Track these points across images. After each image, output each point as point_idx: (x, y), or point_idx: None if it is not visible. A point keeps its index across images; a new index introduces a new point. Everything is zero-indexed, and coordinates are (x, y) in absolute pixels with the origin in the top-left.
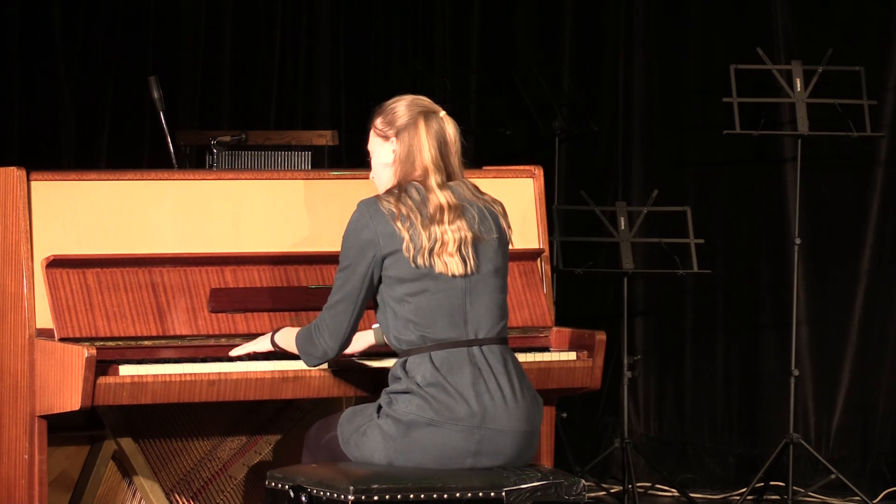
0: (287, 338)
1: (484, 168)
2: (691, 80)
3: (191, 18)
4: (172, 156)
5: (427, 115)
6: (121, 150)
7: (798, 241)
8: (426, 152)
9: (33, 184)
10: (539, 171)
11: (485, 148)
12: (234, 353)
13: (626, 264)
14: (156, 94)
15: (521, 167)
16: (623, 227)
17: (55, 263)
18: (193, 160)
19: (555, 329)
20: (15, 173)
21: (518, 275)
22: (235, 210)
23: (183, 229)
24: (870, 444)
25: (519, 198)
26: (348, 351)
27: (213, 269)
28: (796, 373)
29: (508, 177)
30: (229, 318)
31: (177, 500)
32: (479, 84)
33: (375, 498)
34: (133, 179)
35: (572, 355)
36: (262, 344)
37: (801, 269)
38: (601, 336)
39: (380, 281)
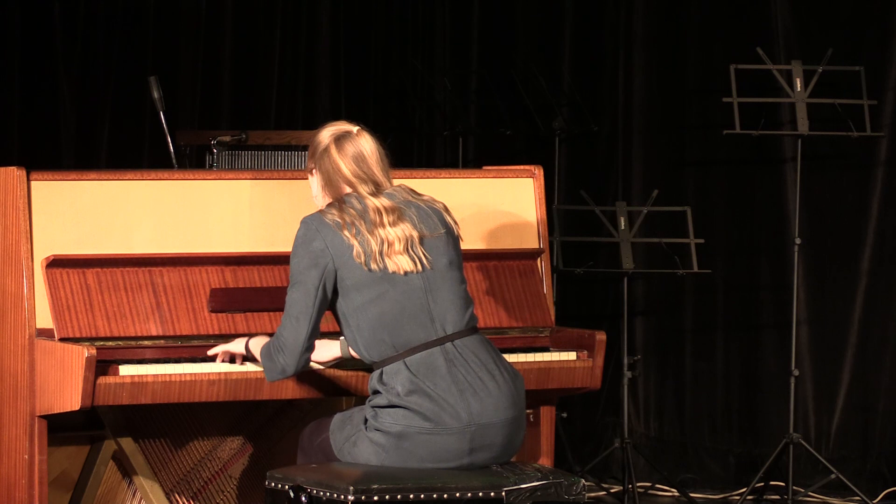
0: (257, 346)
1: (484, 168)
2: (691, 80)
3: (191, 18)
4: (172, 156)
5: (338, 137)
6: (121, 150)
7: (798, 241)
8: (344, 169)
9: (33, 184)
10: (539, 171)
11: (485, 148)
12: (211, 351)
13: (626, 264)
14: (156, 94)
15: (521, 167)
16: (623, 227)
17: (55, 263)
18: (193, 160)
19: (555, 329)
20: (15, 173)
21: (518, 275)
22: (235, 210)
23: (183, 229)
24: (870, 444)
25: (519, 198)
26: (315, 359)
27: (213, 269)
28: (796, 373)
29: (508, 177)
30: (229, 318)
31: (177, 500)
32: (479, 84)
33: (375, 498)
34: (133, 179)
35: (572, 355)
36: (237, 346)
37: (801, 269)
38: (601, 336)
39: (335, 294)
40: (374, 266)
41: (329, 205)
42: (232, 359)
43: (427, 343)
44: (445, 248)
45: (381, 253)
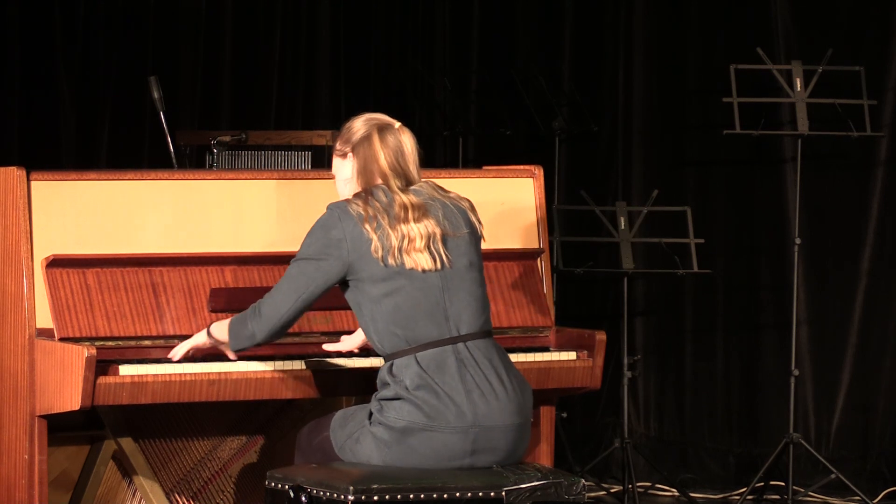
0: (221, 327)
1: (484, 168)
2: (691, 80)
3: (191, 18)
4: (172, 156)
5: (381, 128)
6: (121, 150)
7: (798, 241)
8: (382, 160)
9: (33, 184)
10: (539, 171)
11: (485, 148)
12: (173, 354)
13: (626, 264)
14: (156, 94)
15: (521, 167)
16: (623, 227)
17: (55, 263)
18: (193, 160)
19: (555, 329)
20: (15, 173)
21: (518, 275)
22: (235, 210)
23: (183, 229)
24: (870, 444)
25: (519, 198)
26: (347, 347)
27: (213, 269)
28: (796, 373)
29: (508, 177)
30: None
31: (177, 500)
32: (479, 84)
33: (375, 498)
34: (133, 179)
35: (572, 355)
36: (199, 337)
37: (801, 269)
38: (601, 336)
39: (346, 286)
40: (391, 261)
41: (356, 195)
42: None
43: (439, 341)
44: (467, 248)
45: (399, 249)
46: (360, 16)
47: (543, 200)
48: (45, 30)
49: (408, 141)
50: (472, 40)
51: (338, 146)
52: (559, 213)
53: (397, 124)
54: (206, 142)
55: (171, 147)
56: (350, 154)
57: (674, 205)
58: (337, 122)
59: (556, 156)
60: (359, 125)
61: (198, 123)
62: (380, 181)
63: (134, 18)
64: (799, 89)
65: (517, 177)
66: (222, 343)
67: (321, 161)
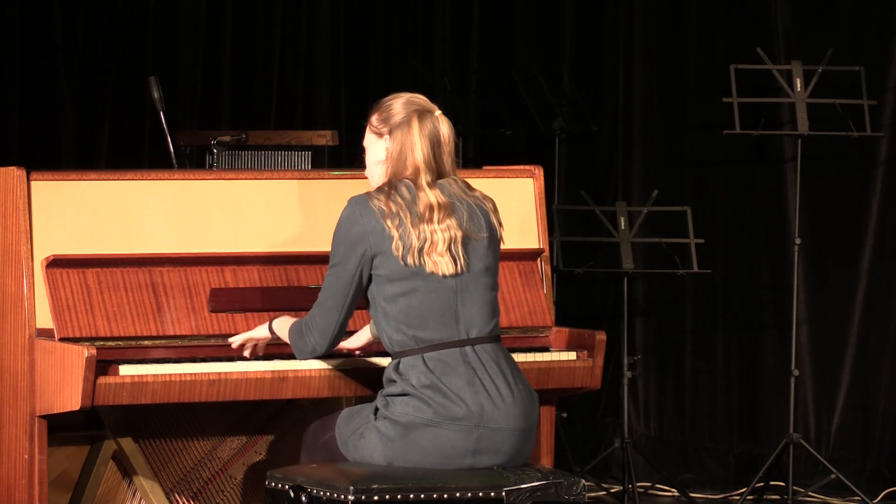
0: (283, 326)
1: (484, 168)
2: (691, 80)
3: (191, 18)
4: (172, 156)
5: (422, 114)
6: (121, 150)
7: (798, 241)
8: (418, 151)
9: (33, 184)
10: (539, 171)
11: (485, 148)
12: (232, 340)
13: (626, 264)
14: (156, 94)
15: (521, 167)
16: (623, 227)
17: (55, 263)
18: (193, 160)
19: (555, 329)
20: (15, 173)
21: (518, 275)
22: (235, 210)
23: (183, 229)
24: (870, 444)
25: (519, 198)
26: (350, 346)
27: (213, 269)
28: (796, 373)
29: (508, 177)
30: (229, 317)
31: (177, 500)
32: (479, 84)
33: (375, 498)
34: (133, 179)
35: (572, 355)
36: (260, 331)
37: (801, 269)
38: (601, 336)
39: (370, 280)
40: (410, 260)
41: (378, 189)
42: (254, 353)
43: (448, 343)
44: (485, 252)
45: (420, 250)
46: (360, 16)
47: (543, 200)
48: (45, 30)
49: (446, 131)
50: (472, 40)
51: (374, 122)
52: (559, 213)
53: (437, 111)
54: (206, 142)
55: (171, 147)
56: (387, 136)
57: (674, 205)
58: (337, 122)
59: (556, 156)
60: (399, 107)
61: (198, 123)
62: (409, 172)
63: (134, 18)
64: (799, 89)
65: (517, 177)
66: (283, 339)
67: (321, 161)
